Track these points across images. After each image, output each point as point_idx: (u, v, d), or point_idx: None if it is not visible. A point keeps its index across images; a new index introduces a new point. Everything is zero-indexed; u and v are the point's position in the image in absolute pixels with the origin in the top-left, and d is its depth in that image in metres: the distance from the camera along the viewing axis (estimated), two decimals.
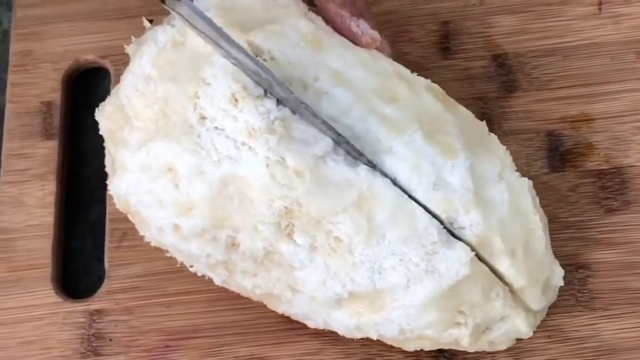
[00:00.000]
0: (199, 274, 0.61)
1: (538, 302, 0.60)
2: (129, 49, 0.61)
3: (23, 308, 0.67)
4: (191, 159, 0.57)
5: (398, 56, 0.70)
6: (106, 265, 0.67)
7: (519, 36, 0.71)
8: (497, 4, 0.72)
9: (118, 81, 0.70)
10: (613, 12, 0.71)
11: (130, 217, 0.61)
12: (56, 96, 0.72)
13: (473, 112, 0.62)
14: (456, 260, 0.56)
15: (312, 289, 0.58)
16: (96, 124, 0.61)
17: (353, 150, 0.57)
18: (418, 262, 0.56)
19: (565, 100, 0.69)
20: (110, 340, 0.65)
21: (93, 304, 0.66)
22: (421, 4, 0.72)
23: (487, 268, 0.58)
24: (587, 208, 0.66)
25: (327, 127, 0.57)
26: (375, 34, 0.61)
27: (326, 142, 0.57)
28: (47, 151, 0.70)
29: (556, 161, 0.67)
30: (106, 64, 0.72)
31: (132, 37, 0.61)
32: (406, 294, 0.57)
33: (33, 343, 0.66)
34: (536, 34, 0.71)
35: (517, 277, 0.58)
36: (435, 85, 0.61)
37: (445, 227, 0.57)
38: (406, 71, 0.61)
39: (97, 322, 0.66)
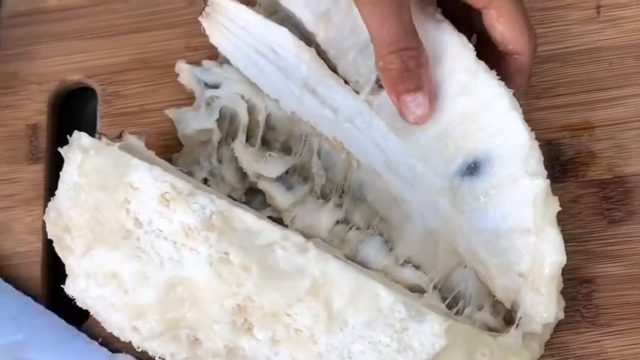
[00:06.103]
0: None
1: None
2: (62, 151, 0.59)
3: None
4: (134, 264, 0.55)
5: None
6: None
7: None
8: None
9: (104, 101, 0.70)
10: (612, 15, 0.69)
11: (93, 315, 0.60)
12: (42, 118, 0.70)
13: None
14: (430, 333, 0.54)
15: None
16: None
17: None
18: (389, 342, 0.54)
19: (565, 107, 0.67)
20: None
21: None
22: None
23: (467, 330, 0.56)
24: (590, 219, 0.64)
25: None
26: None
27: (271, 230, 0.55)
28: (33, 176, 0.69)
29: (556, 171, 0.65)
30: (93, 83, 0.71)
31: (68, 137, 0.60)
32: None
33: None
34: None
35: None
36: None
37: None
38: None
39: None
